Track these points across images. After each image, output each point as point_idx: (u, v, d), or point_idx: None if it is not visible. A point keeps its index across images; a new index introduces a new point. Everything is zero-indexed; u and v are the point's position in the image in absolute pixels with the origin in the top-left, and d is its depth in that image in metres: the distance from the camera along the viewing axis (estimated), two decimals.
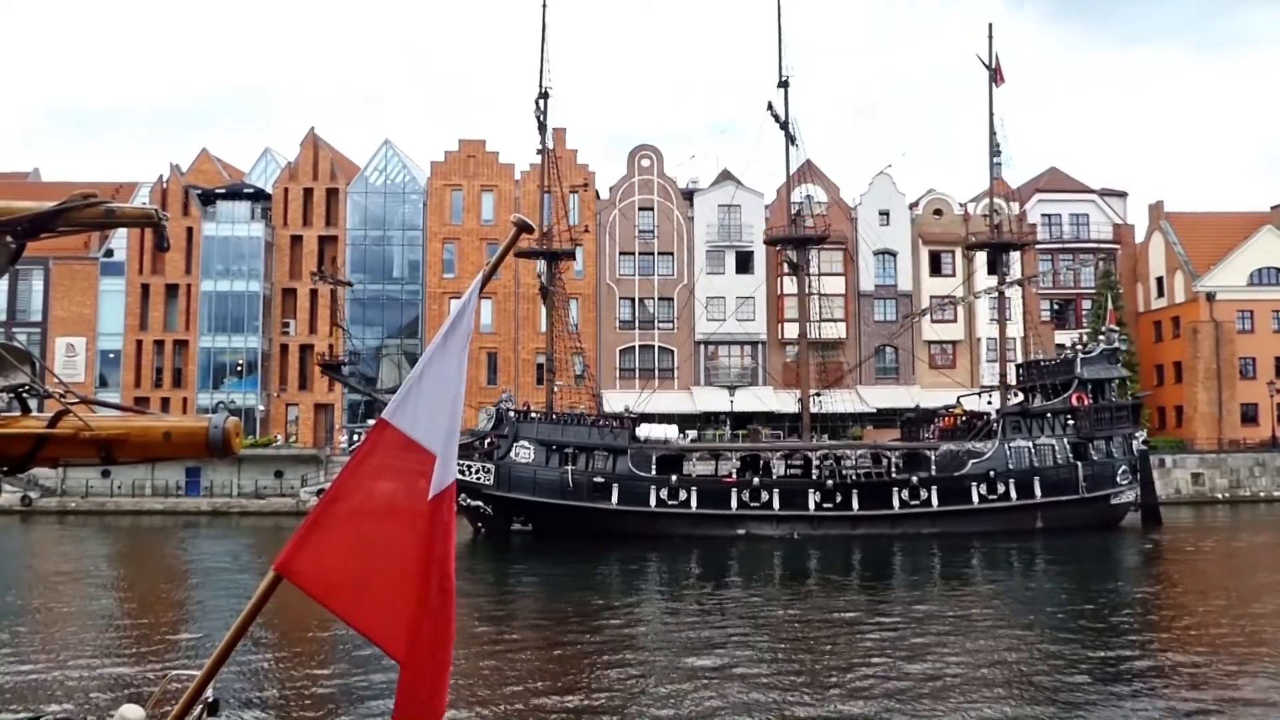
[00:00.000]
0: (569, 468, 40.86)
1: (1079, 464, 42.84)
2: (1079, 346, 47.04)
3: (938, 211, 65.15)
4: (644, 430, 44.46)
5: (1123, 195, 70.03)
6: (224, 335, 62.03)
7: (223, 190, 64.60)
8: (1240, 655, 18.78)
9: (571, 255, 48.38)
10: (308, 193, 63.59)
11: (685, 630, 22.17)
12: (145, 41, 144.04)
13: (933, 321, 62.28)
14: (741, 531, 40.69)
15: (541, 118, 47.64)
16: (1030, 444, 42.74)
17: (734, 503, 41.16)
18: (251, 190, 64.81)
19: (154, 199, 60.51)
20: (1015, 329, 60.05)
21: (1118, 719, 14.71)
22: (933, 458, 42.28)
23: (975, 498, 41.69)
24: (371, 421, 44.00)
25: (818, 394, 47.05)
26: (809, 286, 47.27)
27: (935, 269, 64.41)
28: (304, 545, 2.91)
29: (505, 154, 63.92)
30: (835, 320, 62.93)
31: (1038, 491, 42.15)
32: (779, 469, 42.73)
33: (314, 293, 62.26)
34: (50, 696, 15.65)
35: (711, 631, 21.88)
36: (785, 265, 50.74)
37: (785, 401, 55.41)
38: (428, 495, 2.98)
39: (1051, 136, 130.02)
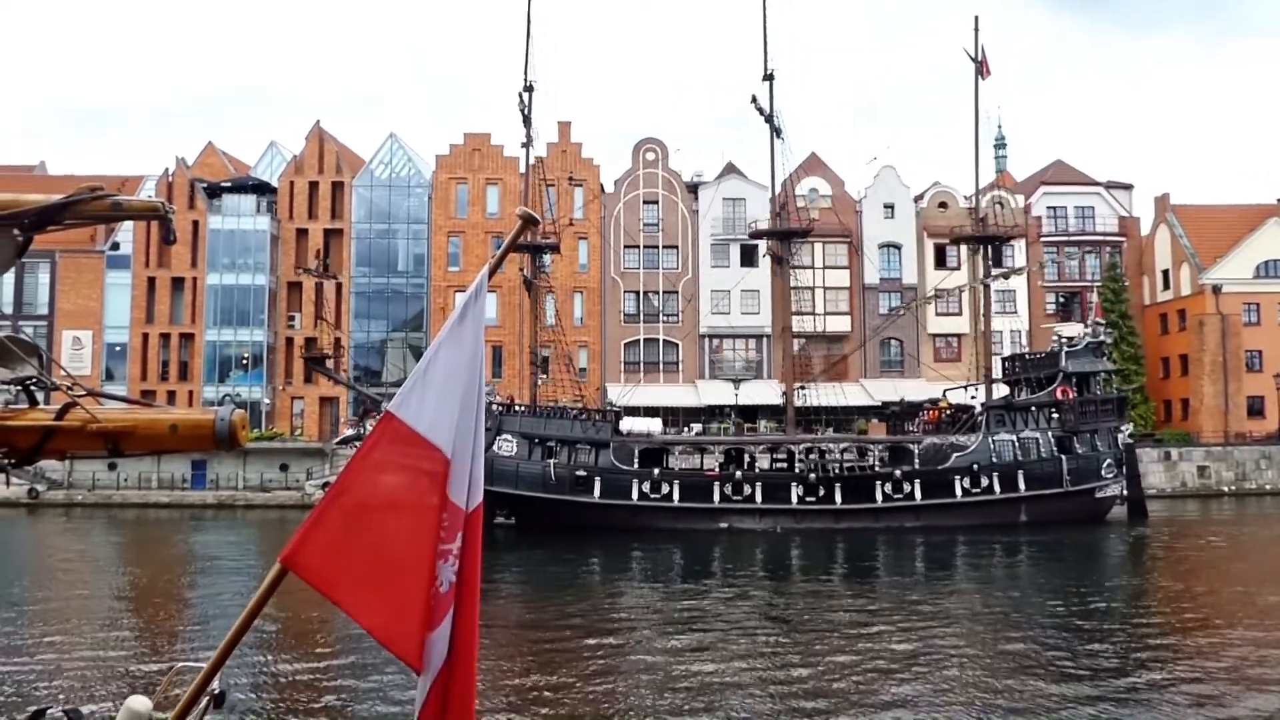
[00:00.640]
0: (551, 461, 40.93)
1: (1063, 457, 42.79)
2: (1063, 339, 46.85)
3: (942, 204, 65.03)
4: (627, 424, 44.48)
5: (1128, 188, 69.81)
6: (229, 329, 62.11)
7: (228, 184, 64.67)
8: (1208, 647, 18.87)
9: (555, 249, 48.23)
10: (313, 186, 63.62)
11: (666, 626, 22.11)
12: (146, 41, 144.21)
13: (937, 314, 62.22)
14: (724, 525, 40.66)
15: (525, 111, 47.73)
16: (1014, 437, 42.72)
17: (716, 496, 41.13)
18: (257, 183, 64.88)
19: (160, 192, 60.46)
20: (1021, 322, 59.97)
21: (1095, 712, 14.72)
22: (916, 451, 42.24)
23: (959, 491, 41.70)
24: (360, 419, 43.88)
25: (802, 387, 46.88)
26: (795, 279, 47.32)
27: (940, 262, 64.30)
28: (309, 538, 2.91)
29: (510, 148, 63.91)
30: (840, 313, 63.14)
31: (1022, 485, 42.14)
32: (763, 463, 42.70)
33: (319, 286, 62.33)
34: (58, 688, 15.72)
35: (694, 628, 21.78)
36: (771, 259, 50.60)
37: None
38: (433, 491, 2.96)
39: (1057, 129, 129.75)
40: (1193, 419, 61.95)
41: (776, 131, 47.10)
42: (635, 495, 40.79)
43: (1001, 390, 46.53)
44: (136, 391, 56.78)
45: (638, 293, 63.15)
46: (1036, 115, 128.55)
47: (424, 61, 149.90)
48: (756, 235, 52.40)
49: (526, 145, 49.10)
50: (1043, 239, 65.51)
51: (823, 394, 46.60)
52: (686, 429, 55.15)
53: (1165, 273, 66.45)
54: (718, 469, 42.46)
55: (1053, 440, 43.04)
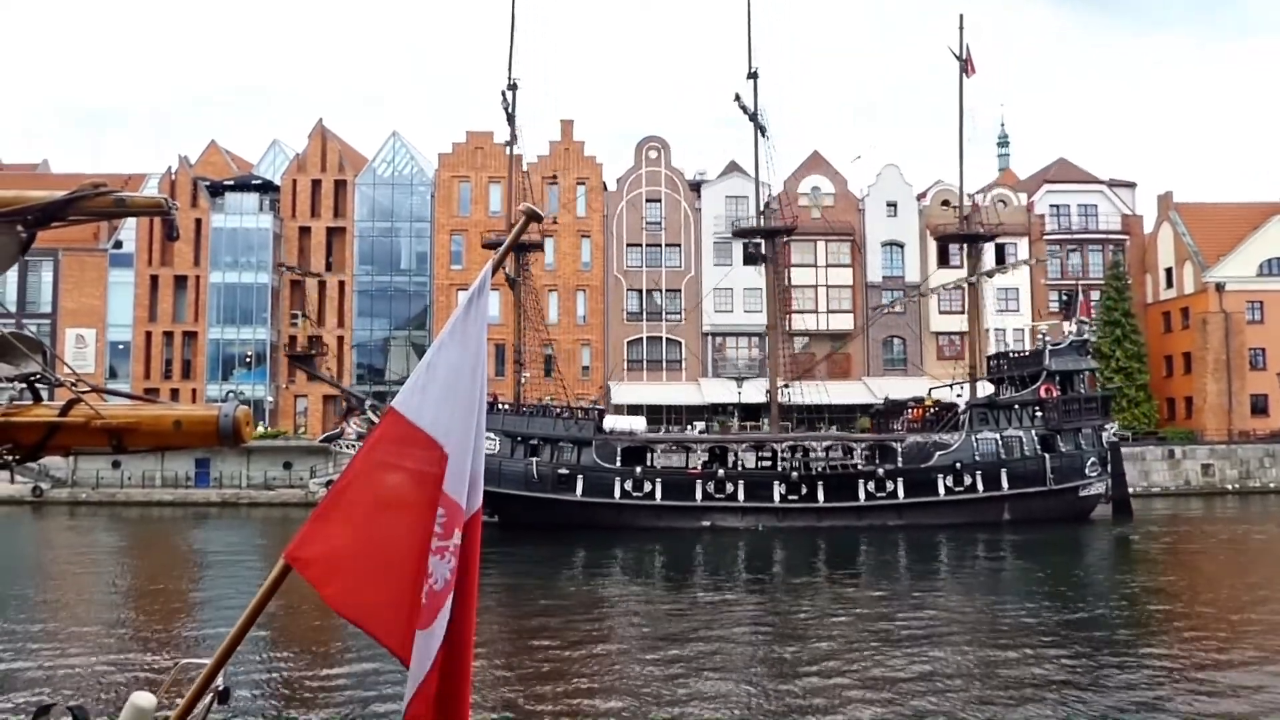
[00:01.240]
0: (534, 459, 40.89)
1: (1046, 456, 42.67)
2: (1045, 337, 46.73)
3: (945, 203, 64.92)
4: (610, 421, 44.36)
5: (1131, 186, 69.67)
6: (233, 327, 62.16)
7: (231, 182, 64.70)
8: (1189, 643, 19.00)
9: (539, 247, 48.28)
10: (316, 184, 63.64)
11: (647, 624, 22.14)
12: (146, 41, 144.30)
13: (940, 312, 62.15)
14: (707, 524, 40.58)
15: (509, 109, 47.73)
16: (998, 436, 42.63)
17: (699, 495, 41.04)
18: (260, 182, 64.89)
19: (163, 191, 60.47)
20: (1023, 320, 59.86)
21: (1071, 710, 14.74)
22: (899, 449, 42.14)
23: (942, 490, 41.62)
24: (354, 420, 43.80)
25: (787, 385, 46.80)
26: (788, 278, 47.26)
27: (943, 260, 64.21)
28: (313, 535, 2.91)
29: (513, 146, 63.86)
30: (843, 312, 63.08)
31: (1005, 483, 42.03)
32: (748, 461, 42.60)
33: (322, 284, 62.43)
34: (62, 685, 15.75)
35: (675, 626, 21.80)
36: (757, 257, 50.49)
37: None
38: (433, 488, 2.96)
39: (1060, 127, 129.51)
40: (1196, 417, 61.86)
41: (761, 130, 47.08)
42: (618, 493, 40.73)
43: (987, 388, 46.42)
44: (140, 390, 56.78)
45: (640, 291, 63.14)
46: (1039, 114, 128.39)
47: (424, 61, 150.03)
48: (740, 234, 52.33)
49: (510, 144, 49.24)
50: (1045, 237, 65.42)
51: (818, 392, 46.35)
52: (690, 427, 55.11)
53: (1168, 271, 66.33)
54: (700, 467, 42.37)
55: (1036, 438, 42.91)
